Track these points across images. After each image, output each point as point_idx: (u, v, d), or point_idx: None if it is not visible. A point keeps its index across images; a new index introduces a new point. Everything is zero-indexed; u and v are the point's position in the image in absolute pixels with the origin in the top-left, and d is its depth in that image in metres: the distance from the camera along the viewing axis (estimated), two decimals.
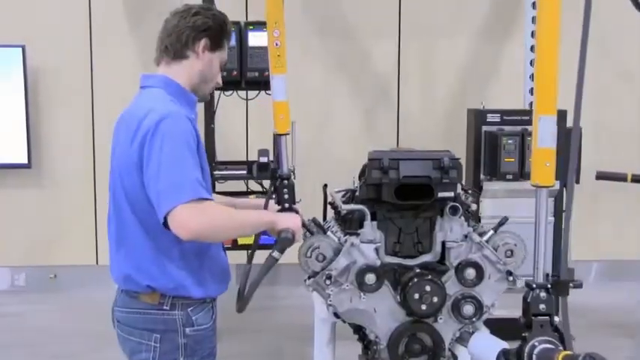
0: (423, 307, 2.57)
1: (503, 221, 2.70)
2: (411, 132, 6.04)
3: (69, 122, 5.81)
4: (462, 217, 2.68)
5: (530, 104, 4.97)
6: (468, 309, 2.61)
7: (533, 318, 1.99)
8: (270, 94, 4.97)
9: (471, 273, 2.61)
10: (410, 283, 2.57)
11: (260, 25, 4.47)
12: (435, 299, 2.57)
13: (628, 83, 6.11)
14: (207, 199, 2.12)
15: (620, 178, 3.32)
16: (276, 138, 2.60)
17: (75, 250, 5.88)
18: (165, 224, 2.12)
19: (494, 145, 4.69)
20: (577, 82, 1.87)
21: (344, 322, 2.73)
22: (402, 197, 2.64)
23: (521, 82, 5.67)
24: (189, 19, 2.32)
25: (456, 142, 6.00)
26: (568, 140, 4.84)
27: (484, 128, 4.81)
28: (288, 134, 2.56)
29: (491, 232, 2.69)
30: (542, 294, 1.98)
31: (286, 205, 2.55)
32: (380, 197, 2.66)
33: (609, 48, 6.05)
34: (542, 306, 1.98)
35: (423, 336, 2.62)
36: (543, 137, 1.99)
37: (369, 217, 2.64)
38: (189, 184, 2.10)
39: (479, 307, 2.61)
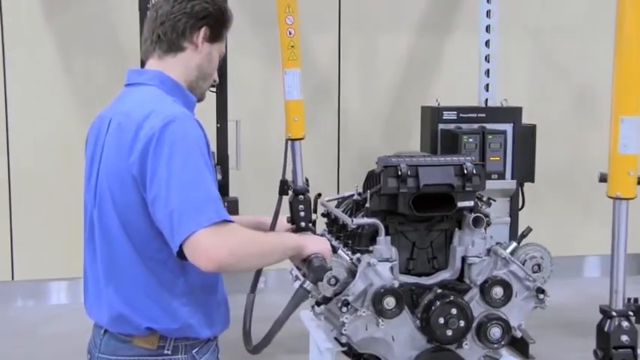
0: (449, 332, 2.28)
1: (527, 232, 2.45)
2: (351, 127, 5.75)
3: None
4: (484, 230, 2.41)
5: (486, 101, 4.79)
6: (495, 332, 2.34)
7: (613, 351, 1.73)
8: None
9: (498, 292, 2.33)
10: (433, 307, 2.27)
11: None
12: (462, 323, 2.28)
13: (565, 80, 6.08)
14: (229, 221, 1.72)
15: None
16: (289, 143, 2.18)
17: None
18: (179, 253, 1.72)
19: (452, 144, 4.46)
20: None
21: (355, 353, 2.39)
22: (418, 208, 2.34)
23: (463, 78, 5.51)
24: (186, 5, 1.92)
25: (398, 136, 5.79)
26: (523, 138, 4.76)
27: (440, 126, 4.57)
28: (303, 139, 2.17)
29: (514, 244, 2.43)
30: (625, 323, 1.73)
31: (302, 224, 2.15)
32: (395, 208, 2.34)
33: (547, 45, 6.00)
34: (624, 337, 1.73)
35: None
36: (626, 142, 1.72)
37: (383, 231, 2.32)
38: (210, 202, 1.70)
39: (506, 329, 2.35)
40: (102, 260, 1.86)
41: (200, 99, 2.04)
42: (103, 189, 1.83)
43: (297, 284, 2.42)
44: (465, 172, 2.33)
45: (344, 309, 2.21)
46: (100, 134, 1.90)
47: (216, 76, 2.05)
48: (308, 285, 1.86)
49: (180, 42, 1.93)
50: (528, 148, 4.73)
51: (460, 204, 2.36)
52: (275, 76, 5.49)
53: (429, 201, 2.35)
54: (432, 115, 4.58)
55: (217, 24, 1.98)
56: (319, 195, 2.66)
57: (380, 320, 2.25)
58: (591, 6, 5.97)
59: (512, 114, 4.59)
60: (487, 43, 4.69)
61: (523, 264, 2.38)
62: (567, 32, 5.95)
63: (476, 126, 4.54)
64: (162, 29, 1.93)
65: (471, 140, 4.41)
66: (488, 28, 4.67)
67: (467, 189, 2.34)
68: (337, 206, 2.67)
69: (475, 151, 4.42)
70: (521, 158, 4.61)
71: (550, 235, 5.52)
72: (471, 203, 2.38)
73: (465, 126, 4.53)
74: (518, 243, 2.42)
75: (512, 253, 2.40)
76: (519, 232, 4.66)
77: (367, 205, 2.36)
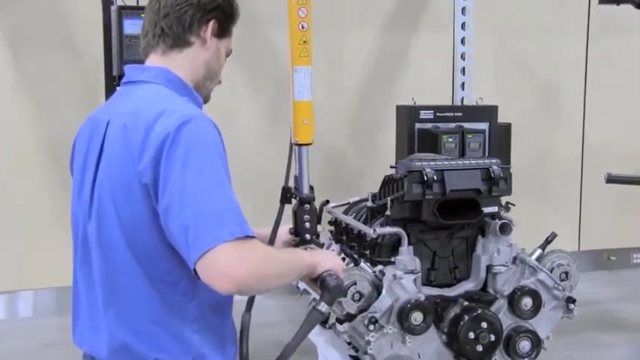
0: (479, 347, 2.13)
1: (551, 238, 2.33)
2: (318, 127, 5.52)
3: None
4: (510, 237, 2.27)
5: (462, 99, 4.70)
6: (525, 345, 2.21)
7: None
8: None
9: (528, 303, 2.20)
10: (461, 322, 2.12)
11: (137, 11, 3.77)
12: (492, 337, 2.14)
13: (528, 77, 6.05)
14: (252, 237, 1.52)
15: (634, 181, 3.06)
16: (295, 149, 1.99)
17: None
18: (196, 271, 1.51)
19: (430, 144, 4.33)
20: None
21: None
22: (441, 214, 2.18)
23: (430, 76, 5.40)
24: None
25: (365, 136, 5.63)
26: (498, 137, 4.68)
27: (417, 125, 4.44)
28: (311, 144, 1.98)
29: (539, 251, 2.30)
30: None
31: (307, 236, 1.95)
32: (417, 216, 2.18)
33: (512, 44, 5.96)
34: None
35: None
36: None
37: (406, 241, 2.15)
38: (232, 214, 1.49)
39: (536, 341, 2.22)
40: (101, 282, 1.62)
41: (206, 100, 1.83)
42: (104, 200, 1.59)
43: (302, 298, 2.24)
44: (492, 175, 2.19)
45: (371, 327, 2.03)
46: (94, 139, 1.66)
47: (221, 77, 1.85)
48: (323, 307, 1.66)
49: (186, 36, 1.72)
50: (504, 147, 4.66)
51: (485, 210, 2.22)
52: (232, 73, 5.28)
53: (451, 207, 2.20)
54: (408, 115, 4.43)
55: (226, 18, 1.77)
56: (327, 202, 2.48)
57: (407, 337, 2.09)
58: (558, 5, 5.96)
59: (488, 113, 4.49)
60: (462, 41, 4.58)
61: (550, 272, 2.26)
62: (532, 31, 5.93)
63: (453, 125, 4.43)
64: (167, 22, 1.71)
65: (450, 140, 4.28)
66: (463, 26, 4.57)
67: (493, 194, 2.20)
68: (345, 213, 2.50)
69: (455, 152, 4.32)
70: (497, 157, 4.53)
71: (521, 232, 5.48)
72: (495, 209, 2.24)
73: (442, 125, 4.41)
74: (543, 250, 2.30)
75: (537, 260, 2.28)
76: None
77: (388, 212, 2.19)
